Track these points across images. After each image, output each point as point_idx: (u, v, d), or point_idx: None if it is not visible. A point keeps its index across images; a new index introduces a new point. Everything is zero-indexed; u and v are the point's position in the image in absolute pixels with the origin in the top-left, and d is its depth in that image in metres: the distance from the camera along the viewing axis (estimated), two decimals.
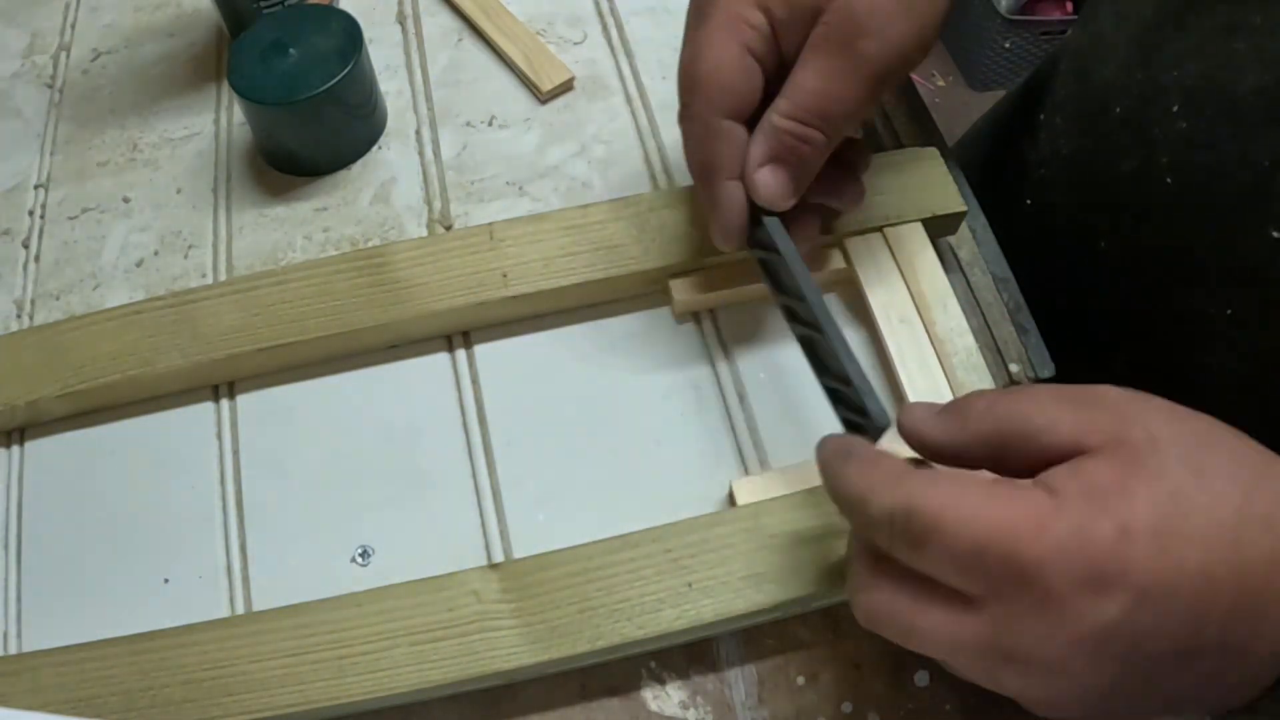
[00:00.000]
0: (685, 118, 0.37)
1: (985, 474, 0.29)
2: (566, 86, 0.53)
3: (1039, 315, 0.46)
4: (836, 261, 0.45)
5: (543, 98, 0.53)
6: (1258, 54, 0.37)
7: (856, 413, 0.35)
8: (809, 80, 0.35)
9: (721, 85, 0.35)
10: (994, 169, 0.57)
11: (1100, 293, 0.49)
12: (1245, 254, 0.39)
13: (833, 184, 0.39)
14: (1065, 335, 0.46)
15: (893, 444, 0.32)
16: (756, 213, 0.38)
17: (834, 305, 0.45)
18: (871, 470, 0.29)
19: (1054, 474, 0.27)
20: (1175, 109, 0.41)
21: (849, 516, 0.31)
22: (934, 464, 0.31)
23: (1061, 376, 0.45)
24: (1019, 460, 0.28)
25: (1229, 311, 0.41)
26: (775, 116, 0.36)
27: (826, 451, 0.32)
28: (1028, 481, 0.27)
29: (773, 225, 0.37)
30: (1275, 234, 0.37)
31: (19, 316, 0.47)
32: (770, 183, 0.36)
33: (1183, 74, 0.41)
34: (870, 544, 0.30)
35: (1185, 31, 0.41)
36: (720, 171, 0.36)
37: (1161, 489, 0.26)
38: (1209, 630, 0.25)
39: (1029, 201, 0.53)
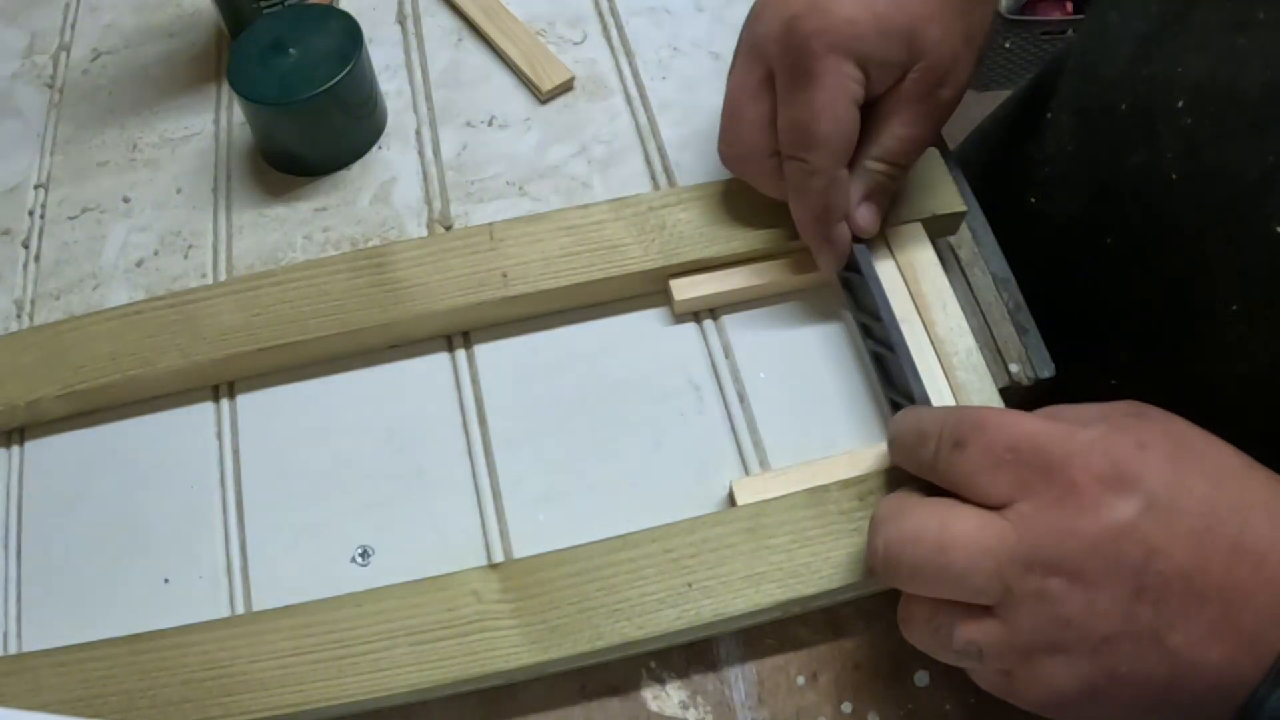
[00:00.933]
0: (806, 172, 0.39)
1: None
2: (566, 86, 0.53)
3: (1041, 315, 0.46)
4: None
5: (543, 98, 0.53)
6: (1262, 50, 0.37)
7: None
8: (900, 129, 0.40)
9: (843, 143, 0.39)
10: (998, 169, 0.57)
11: (1106, 290, 0.49)
12: (1251, 250, 0.39)
13: None
14: (1069, 334, 0.46)
15: None
16: (853, 259, 0.43)
17: (835, 305, 0.45)
18: (931, 409, 0.35)
19: (1082, 415, 0.31)
20: (1180, 105, 0.41)
21: (905, 450, 0.34)
22: None
23: (1065, 376, 0.45)
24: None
25: (1234, 308, 0.41)
26: (869, 162, 0.40)
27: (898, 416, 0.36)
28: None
29: (861, 251, 0.42)
30: None
31: (19, 316, 0.47)
32: (867, 217, 0.41)
33: (1188, 70, 0.41)
34: (906, 484, 0.35)
35: (1190, 28, 0.41)
36: (838, 214, 0.40)
37: (1174, 434, 0.30)
38: (1213, 565, 0.27)
39: (1033, 200, 0.53)
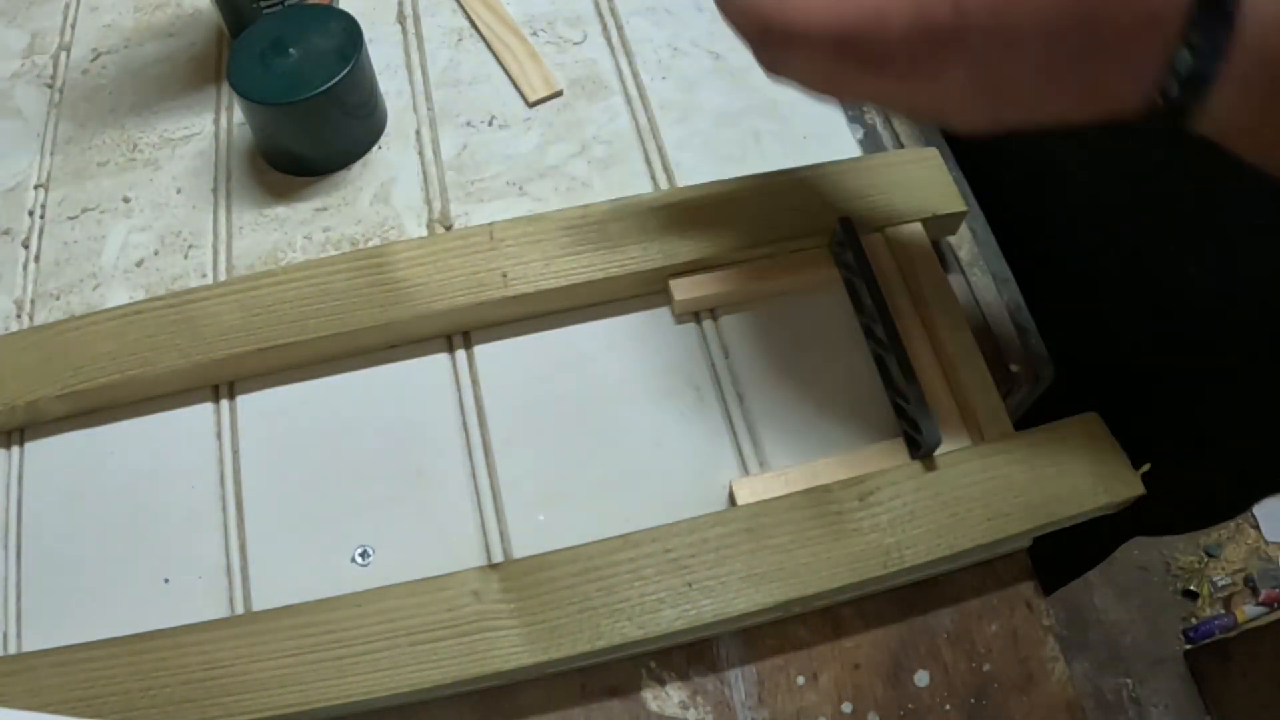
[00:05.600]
0: None
1: None
2: (555, 96, 0.54)
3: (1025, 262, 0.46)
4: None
5: (531, 105, 0.53)
6: None
7: (912, 427, 0.39)
8: None
9: None
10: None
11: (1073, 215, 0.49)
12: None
13: None
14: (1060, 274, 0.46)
15: None
16: (842, 233, 0.43)
17: (835, 305, 0.45)
18: None
19: None
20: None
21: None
22: None
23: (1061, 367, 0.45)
24: None
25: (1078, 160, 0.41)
26: None
27: None
28: None
29: (850, 228, 0.42)
30: None
31: (19, 316, 0.47)
32: None
33: None
34: None
35: None
36: None
37: None
38: (1061, 76, 0.27)
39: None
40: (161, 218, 0.50)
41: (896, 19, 0.27)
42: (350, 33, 0.48)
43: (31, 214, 0.51)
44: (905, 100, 0.30)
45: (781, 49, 0.30)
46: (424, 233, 0.49)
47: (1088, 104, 0.28)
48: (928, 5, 0.27)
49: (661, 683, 0.38)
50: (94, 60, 0.56)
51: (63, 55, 0.57)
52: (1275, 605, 1.25)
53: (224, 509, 0.41)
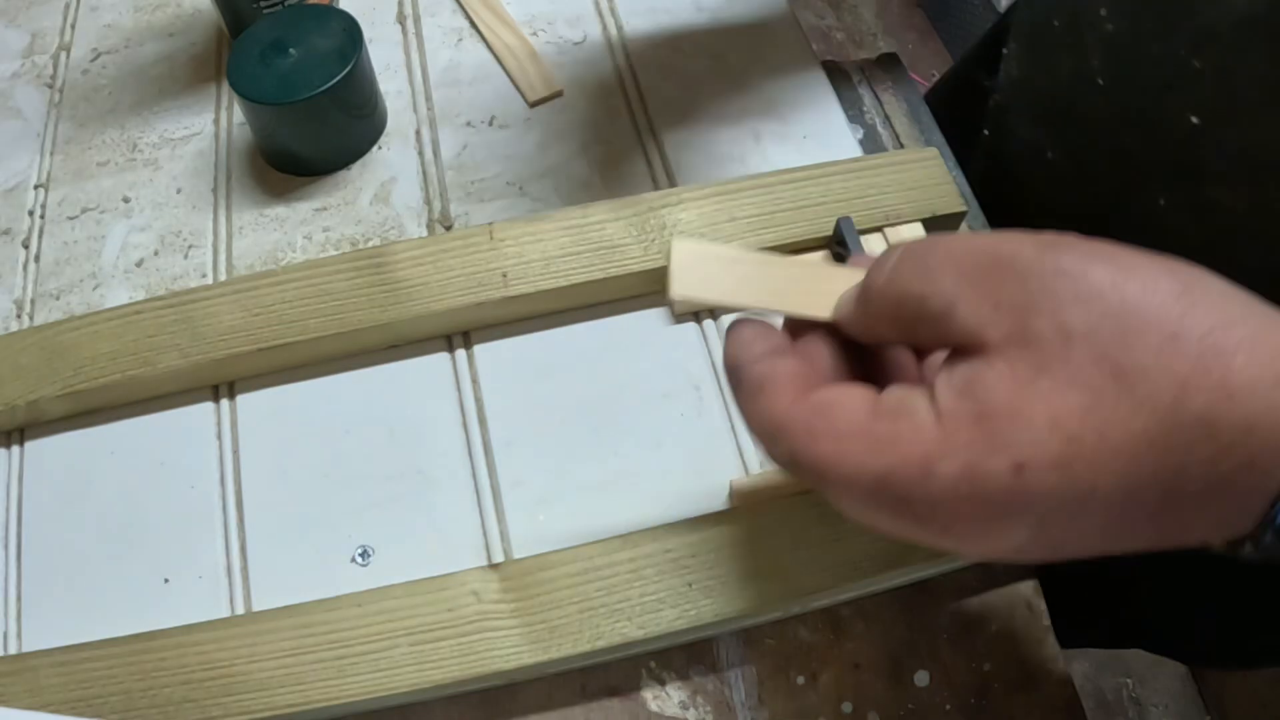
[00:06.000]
0: None
1: (865, 401, 0.26)
2: (555, 96, 0.54)
3: None
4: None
5: (531, 105, 0.53)
6: None
7: None
8: None
9: None
10: (958, 105, 0.58)
11: (1055, 209, 0.50)
12: (1170, 143, 0.40)
13: None
14: None
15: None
16: (840, 232, 0.42)
17: None
18: (757, 409, 0.27)
19: (946, 388, 0.24)
20: (1103, 12, 0.43)
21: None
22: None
23: None
24: (928, 340, 0.26)
25: (1161, 202, 0.41)
26: None
27: (736, 348, 0.29)
28: (920, 396, 0.25)
29: (849, 227, 0.41)
30: (1194, 119, 0.38)
31: (19, 316, 0.47)
32: None
33: None
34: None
35: None
36: None
37: (1068, 404, 0.23)
38: (1137, 528, 0.24)
39: (986, 132, 0.54)
40: (161, 218, 0.50)
41: (943, 474, 0.23)
42: (350, 33, 0.48)
43: (31, 214, 0.51)
44: (951, 547, 0.25)
45: (812, 483, 0.26)
46: (424, 233, 0.49)
47: (1164, 545, 0.24)
48: (982, 461, 0.23)
49: (661, 683, 0.38)
50: (94, 60, 0.56)
51: (63, 55, 0.57)
52: None
53: (224, 509, 0.41)
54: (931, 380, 0.25)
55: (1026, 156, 0.51)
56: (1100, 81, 0.43)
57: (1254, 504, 0.23)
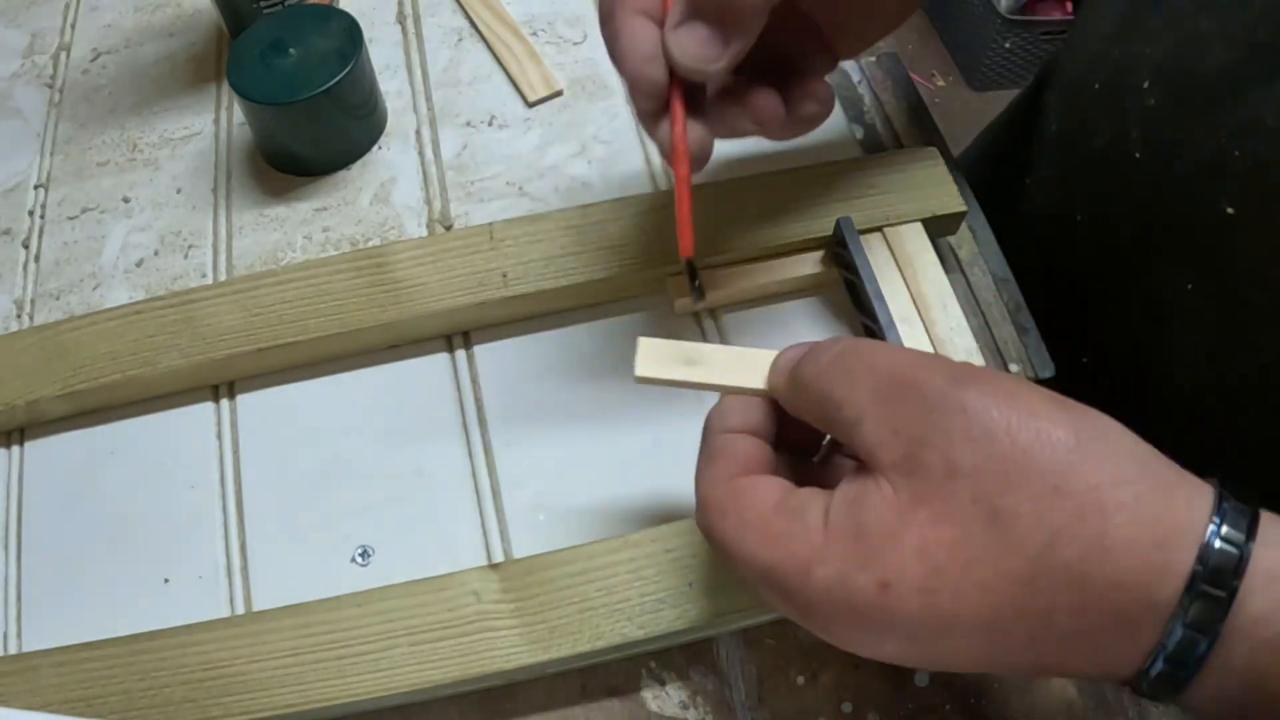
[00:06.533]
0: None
1: (774, 496, 0.28)
2: (555, 96, 0.54)
3: (1033, 302, 0.46)
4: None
5: (531, 105, 0.53)
6: (1222, 31, 0.38)
7: None
8: None
9: None
10: (999, 167, 0.57)
11: (1077, 271, 0.49)
12: (1202, 229, 0.40)
13: (789, 79, 0.37)
14: (1055, 314, 0.46)
15: None
16: (840, 232, 0.42)
17: (835, 305, 0.45)
18: (701, 478, 0.30)
19: (840, 498, 0.26)
20: (1146, 85, 0.42)
21: None
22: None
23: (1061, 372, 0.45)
24: (842, 440, 0.28)
25: (1189, 286, 0.41)
26: None
27: (716, 415, 0.32)
28: (819, 502, 0.27)
29: (849, 227, 0.42)
30: (1229, 210, 0.38)
31: (19, 316, 0.47)
32: (688, 42, 0.31)
33: (1154, 50, 0.42)
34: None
35: (1160, 8, 0.42)
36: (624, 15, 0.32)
37: (939, 535, 0.24)
38: (1009, 656, 0.25)
39: (1026, 181, 0.54)
40: (161, 218, 0.50)
41: (819, 578, 0.25)
42: (350, 33, 0.48)
43: (31, 214, 0.51)
44: (836, 645, 0.27)
45: (719, 557, 0.30)
46: (424, 233, 0.49)
47: (1047, 675, 0.26)
48: (853, 573, 0.25)
49: (661, 683, 0.38)
50: (94, 60, 0.56)
51: (63, 55, 0.57)
52: None
53: (224, 509, 0.41)
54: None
55: (1054, 212, 0.50)
56: (1137, 155, 0.42)
57: (1128, 654, 0.24)
